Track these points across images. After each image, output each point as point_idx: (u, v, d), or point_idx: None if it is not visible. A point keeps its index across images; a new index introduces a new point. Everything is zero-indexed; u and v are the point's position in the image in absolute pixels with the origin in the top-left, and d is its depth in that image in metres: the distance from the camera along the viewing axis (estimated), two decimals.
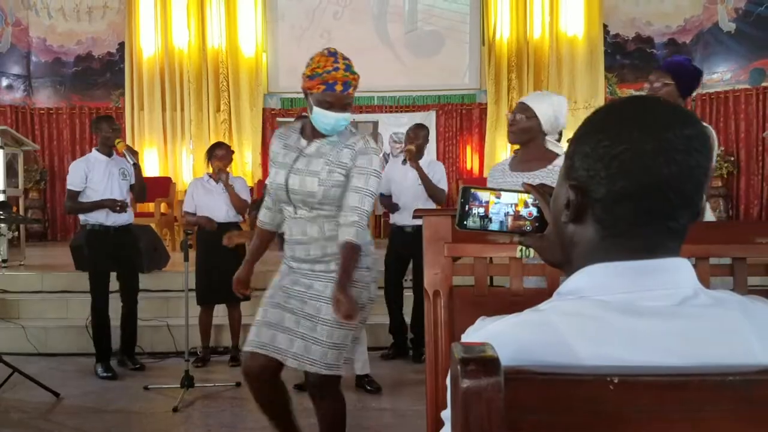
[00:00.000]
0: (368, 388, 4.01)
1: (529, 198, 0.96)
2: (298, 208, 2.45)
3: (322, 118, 2.38)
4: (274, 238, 2.71)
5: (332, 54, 2.36)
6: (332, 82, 2.32)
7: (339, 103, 2.35)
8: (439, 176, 4.65)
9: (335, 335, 2.39)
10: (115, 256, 4.46)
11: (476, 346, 0.68)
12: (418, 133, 4.69)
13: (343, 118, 2.38)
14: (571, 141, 0.86)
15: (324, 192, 2.37)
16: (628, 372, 0.70)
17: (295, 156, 2.46)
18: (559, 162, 2.50)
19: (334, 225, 2.39)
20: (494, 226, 0.96)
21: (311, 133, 2.48)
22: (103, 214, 4.39)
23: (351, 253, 2.32)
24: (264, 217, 2.67)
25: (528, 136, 2.64)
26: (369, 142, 2.45)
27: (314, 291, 2.44)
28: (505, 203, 0.96)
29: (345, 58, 2.37)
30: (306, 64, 2.41)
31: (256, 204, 6.89)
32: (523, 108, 2.65)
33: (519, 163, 2.70)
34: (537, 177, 2.53)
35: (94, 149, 4.58)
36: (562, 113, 2.68)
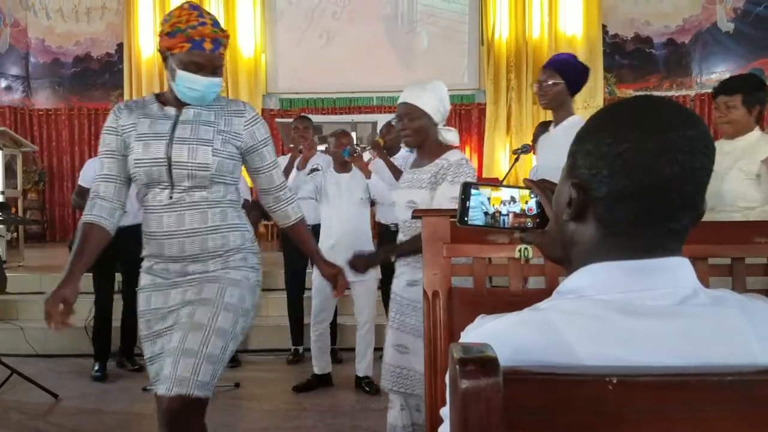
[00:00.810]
0: (367, 389, 4.01)
1: (530, 194, 0.96)
2: (176, 190, 1.98)
3: (188, 83, 1.97)
4: (108, 240, 2.10)
5: (195, 8, 1.98)
6: (199, 39, 1.93)
7: (210, 64, 1.96)
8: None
9: (210, 344, 1.91)
10: (117, 257, 4.46)
11: (475, 346, 0.68)
12: (390, 129, 4.67)
13: (214, 83, 1.99)
14: (574, 140, 0.86)
15: (219, 164, 1.98)
16: (627, 372, 0.70)
17: (170, 124, 2.01)
18: (450, 155, 2.44)
19: (220, 213, 2.01)
20: (495, 223, 0.96)
21: (175, 102, 2.06)
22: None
23: (306, 228, 2.25)
24: (100, 211, 2.04)
25: (422, 136, 2.50)
26: (250, 105, 2.14)
27: (188, 298, 2.01)
28: (506, 200, 0.96)
29: (210, 14, 2.00)
30: (162, 21, 2.01)
31: (256, 204, 6.88)
32: (410, 109, 2.49)
33: (418, 160, 2.59)
34: (426, 172, 2.45)
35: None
36: (445, 96, 2.53)
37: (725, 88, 2.94)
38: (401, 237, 2.57)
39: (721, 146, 2.91)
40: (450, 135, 2.55)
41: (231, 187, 2.08)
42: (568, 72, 2.93)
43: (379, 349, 4.52)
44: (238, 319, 2.00)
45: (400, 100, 2.55)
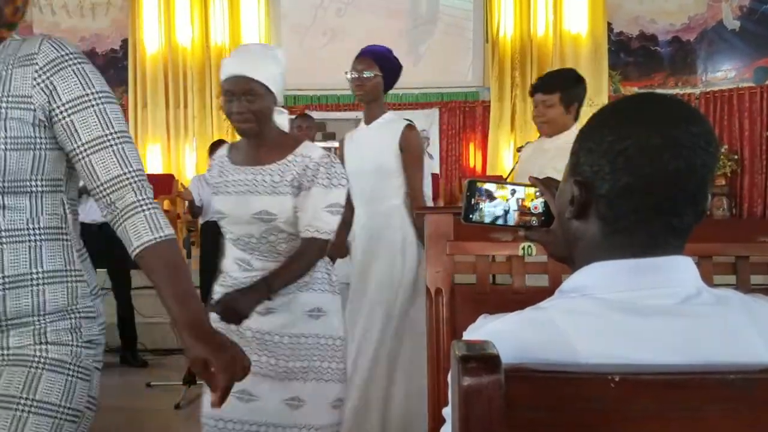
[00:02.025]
0: None
1: (535, 192, 0.96)
2: None
3: None
4: None
5: None
6: None
7: None
8: None
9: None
10: (106, 253, 4.46)
11: (477, 344, 0.68)
12: None
13: None
14: (576, 137, 0.86)
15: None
16: (629, 370, 0.69)
17: None
18: (309, 151, 1.91)
19: (26, 252, 1.19)
20: (500, 221, 0.96)
21: None
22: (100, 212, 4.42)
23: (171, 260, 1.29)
24: None
25: (264, 122, 1.92)
26: (58, 41, 1.23)
27: None
28: (511, 197, 0.96)
29: None
30: None
31: None
32: (250, 85, 1.88)
33: (251, 154, 1.98)
34: (276, 173, 1.92)
35: None
36: (285, 71, 2.01)
37: (543, 86, 2.77)
38: (261, 263, 1.94)
39: (542, 144, 2.83)
40: (282, 119, 2.06)
41: (49, 198, 1.22)
42: (386, 65, 2.75)
43: None
44: (61, 427, 1.21)
45: (232, 72, 1.89)
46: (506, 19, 9.07)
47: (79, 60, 1.22)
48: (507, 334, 0.75)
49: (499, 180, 1.12)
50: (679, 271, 0.79)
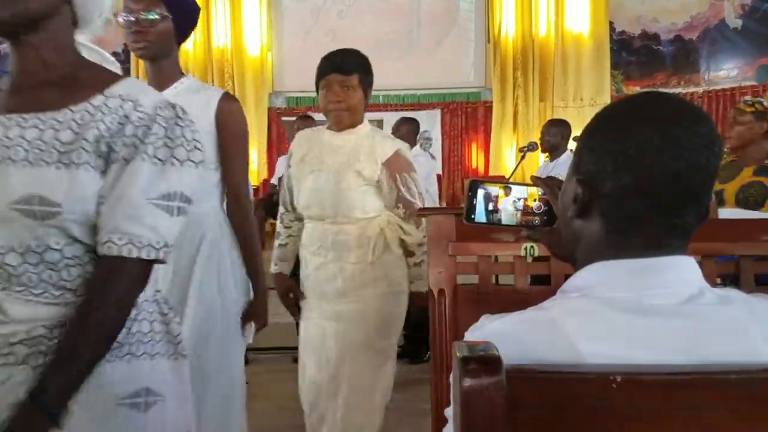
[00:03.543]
0: None
1: (538, 191, 0.96)
2: None
3: None
4: None
5: None
6: None
7: None
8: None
9: None
10: None
11: (478, 345, 0.68)
12: (399, 127, 4.68)
13: None
14: (579, 136, 0.86)
15: None
16: (630, 371, 0.69)
17: None
18: (125, 89, 1.03)
19: None
20: (503, 220, 0.95)
21: None
22: None
23: None
24: None
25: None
26: None
27: None
28: (513, 197, 0.95)
29: None
30: None
31: (263, 203, 6.87)
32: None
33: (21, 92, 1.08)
34: (51, 124, 0.99)
35: None
36: None
37: (342, 65, 2.17)
38: (23, 308, 1.02)
39: (331, 140, 2.24)
40: (93, 55, 1.21)
41: None
42: (174, 2, 1.84)
43: None
44: None
45: None
46: (508, 19, 9.08)
47: None
48: (508, 335, 0.75)
49: (502, 180, 1.12)
50: (681, 270, 0.79)
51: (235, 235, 1.96)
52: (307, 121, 4.77)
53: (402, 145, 2.29)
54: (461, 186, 8.68)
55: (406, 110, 9.14)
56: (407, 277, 2.28)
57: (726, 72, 8.66)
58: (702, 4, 8.85)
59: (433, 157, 7.94)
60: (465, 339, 0.80)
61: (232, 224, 1.96)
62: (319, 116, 6.54)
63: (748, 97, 2.84)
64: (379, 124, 8.95)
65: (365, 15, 9.39)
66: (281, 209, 2.45)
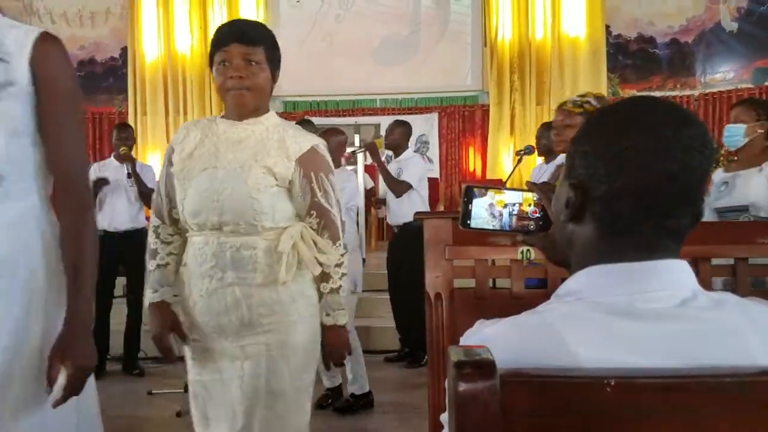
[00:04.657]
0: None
1: (533, 197, 0.96)
2: None
3: None
4: None
5: None
6: None
7: None
8: (410, 171, 4.52)
9: None
10: (120, 262, 4.48)
11: (472, 349, 0.68)
12: (393, 130, 4.67)
13: None
14: (572, 141, 0.86)
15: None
16: (624, 374, 0.69)
17: None
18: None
19: None
20: (498, 225, 0.96)
21: None
22: (106, 220, 4.44)
23: None
24: None
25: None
26: None
27: None
28: (509, 202, 0.96)
29: None
30: None
31: None
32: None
33: None
34: None
35: (111, 155, 4.79)
36: None
37: (246, 33, 1.77)
38: None
39: (229, 131, 1.82)
40: None
41: None
42: None
43: (369, 353, 4.38)
44: None
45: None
46: (504, 23, 9.09)
47: None
48: (503, 339, 0.75)
49: (496, 185, 1.12)
50: (675, 274, 0.79)
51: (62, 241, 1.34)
52: (306, 125, 4.76)
53: (319, 141, 1.86)
54: (459, 189, 8.68)
55: (404, 114, 9.15)
56: (321, 307, 1.84)
57: (722, 75, 8.67)
58: (698, 7, 8.87)
59: (430, 161, 7.95)
60: (460, 344, 0.80)
61: (60, 222, 1.34)
62: (318, 120, 6.54)
63: (575, 97, 2.57)
64: (377, 128, 8.97)
65: (362, 20, 9.41)
66: (154, 220, 1.92)
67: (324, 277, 1.83)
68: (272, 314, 1.76)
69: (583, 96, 2.56)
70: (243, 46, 1.74)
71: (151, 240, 1.92)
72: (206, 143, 1.82)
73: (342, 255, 1.84)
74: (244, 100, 1.76)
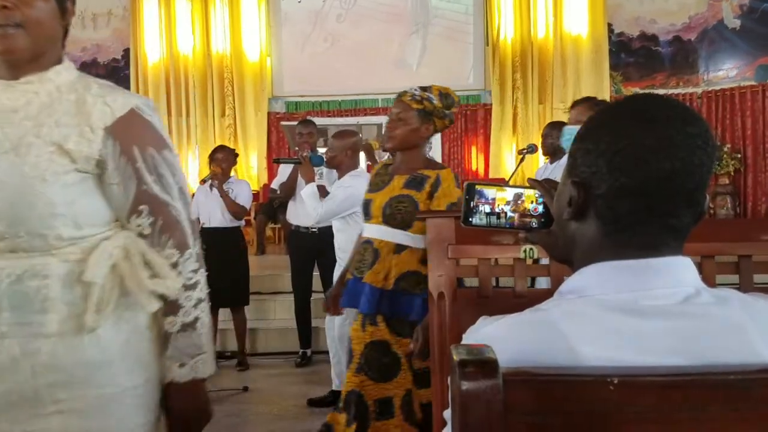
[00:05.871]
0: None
1: (535, 194, 0.96)
2: None
3: None
4: None
5: None
6: None
7: None
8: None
9: None
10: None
11: (475, 347, 0.68)
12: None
13: None
14: (574, 138, 0.86)
15: None
16: (627, 372, 0.69)
17: None
18: None
19: None
20: (500, 223, 0.95)
21: None
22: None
23: None
24: None
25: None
26: None
27: None
28: (511, 200, 0.95)
29: None
30: None
31: (264, 208, 6.80)
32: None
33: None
34: None
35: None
36: None
37: None
38: None
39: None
40: None
41: None
42: None
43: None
44: None
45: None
46: (506, 21, 9.09)
47: None
48: (506, 337, 0.75)
49: (498, 182, 1.12)
50: (677, 271, 0.79)
51: None
52: (308, 125, 4.75)
53: (141, 102, 1.26)
54: (461, 188, 8.69)
55: None
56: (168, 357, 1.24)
57: (725, 72, 8.66)
58: (700, 4, 8.86)
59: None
60: (463, 341, 0.80)
61: None
62: (320, 120, 6.54)
63: (416, 90, 2.26)
64: (379, 128, 8.96)
65: (364, 19, 9.41)
66: None
67: (170, 308, 1.22)
68: (72, 384, 1.15)
69: (424, 90, 2.29)
70: None
71: None
72: None
73: (195, 271, 1.25)
74: (13, 44, 1.14)
